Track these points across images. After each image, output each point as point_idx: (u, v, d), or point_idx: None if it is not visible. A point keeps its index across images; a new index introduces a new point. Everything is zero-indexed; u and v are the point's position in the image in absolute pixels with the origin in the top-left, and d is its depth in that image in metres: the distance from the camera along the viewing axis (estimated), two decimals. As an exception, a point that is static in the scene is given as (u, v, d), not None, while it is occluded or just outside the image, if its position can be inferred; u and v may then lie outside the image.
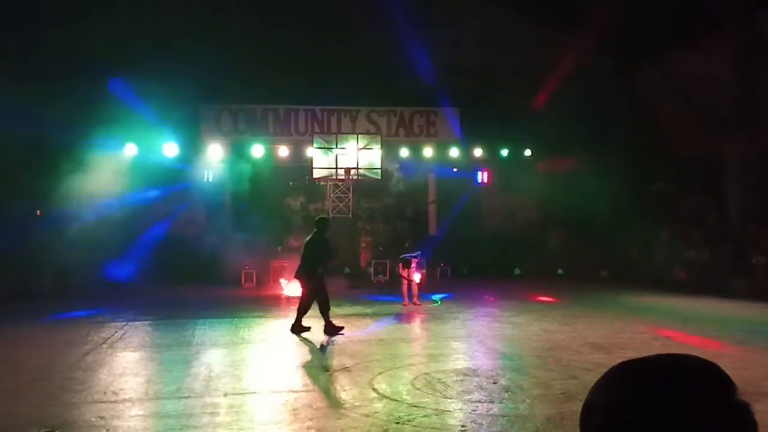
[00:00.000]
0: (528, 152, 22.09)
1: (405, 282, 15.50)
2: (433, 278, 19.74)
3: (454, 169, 22.30)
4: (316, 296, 10.70)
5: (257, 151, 20.27)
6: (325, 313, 10.65)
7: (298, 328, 10.66)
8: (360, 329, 11.20)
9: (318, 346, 9.65)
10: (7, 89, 15.62)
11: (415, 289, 15.49)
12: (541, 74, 20.08)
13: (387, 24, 18.94)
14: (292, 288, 16.99)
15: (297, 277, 11.03)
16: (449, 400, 6.49)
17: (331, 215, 19.48)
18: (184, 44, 18.49)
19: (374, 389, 6.89)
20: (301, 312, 10.73)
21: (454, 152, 21.39)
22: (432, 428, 5.63)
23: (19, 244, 16.74)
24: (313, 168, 18.79)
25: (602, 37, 19.61)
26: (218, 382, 7.28)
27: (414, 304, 15.22)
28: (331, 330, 10.55)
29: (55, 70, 17.43)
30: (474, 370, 7.79)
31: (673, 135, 19.64)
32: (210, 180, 21.04)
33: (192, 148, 20.36)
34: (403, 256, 15.74)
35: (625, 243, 20.01)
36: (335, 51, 19.71)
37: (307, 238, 11.12)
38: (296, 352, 9.34)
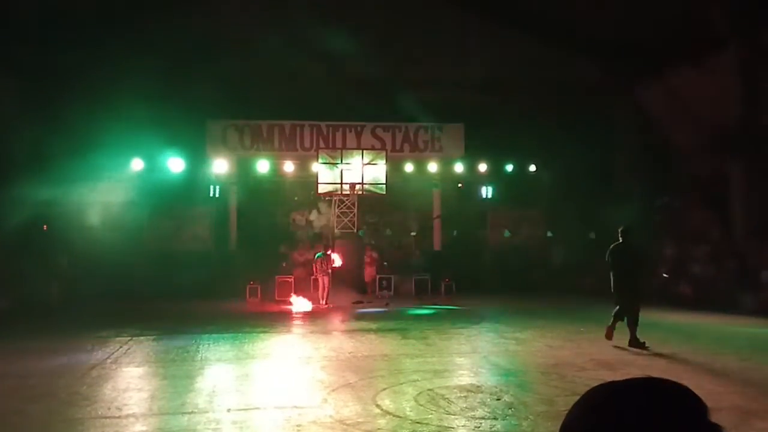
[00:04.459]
0: (533, 167, 22.13)
1: (320, 282, 16.97)
2: (438, 293, 19.73)
3: (459, 185, 22.35)
4: (630, 305, 10.54)
5: (263, 166, 20.36)
6: (620, 317, 10.59)
7: (635, 343, 10.46)
8: (364, 345, 11.19)
9: (321, 362, 9.63)
10: (16, 104, 15.81)
11: (326, 290, 16.97)
12: (546, 90, 20.17)
13: (392, 39, 19.12)
14: (301, 303, 17.08)
15: (615, 289, 10.71)
16: (453, 417, 6.47)
17: (336, 230, 19.58)
18: (191, 60, 18.69)
19: (378, 405, 6.88)
20: (633, 326, 10.51)
21: (459, 167, 21.44)
22: (435, 445, 5.61)
23: (23, 256, 16.84)
24: (318, 183, 18.88)
25: (607, 55, 19.74)
26: (222, 398, 7.28)
27: (326, 305, 16.73)
28: (636, 343, 10.44)
29: (64, 86, 17.64)
30: (478, 387, 7.77)
31: (678, 151, 19.67)
32: (215, 195, 21.14)
33: (198, 163, 20.47)
34: (317, 254, 16.96)
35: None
36: (340, 66, 19.87)
37: (613, 248, 10.83)
38: (300, 367, 9.33)
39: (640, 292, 10.86)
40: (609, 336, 10.66)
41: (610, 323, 10.67)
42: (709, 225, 18.66)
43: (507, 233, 22.40)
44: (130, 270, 18.38)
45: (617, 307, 10.67)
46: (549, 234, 22.30)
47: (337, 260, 17.84)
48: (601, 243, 20.37)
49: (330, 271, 17.43)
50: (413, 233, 23.44)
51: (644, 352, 10.12)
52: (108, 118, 17.65)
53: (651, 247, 17.07)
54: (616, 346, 10.53)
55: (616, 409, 0.94)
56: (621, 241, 10.83)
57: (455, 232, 22.95)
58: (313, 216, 21.70)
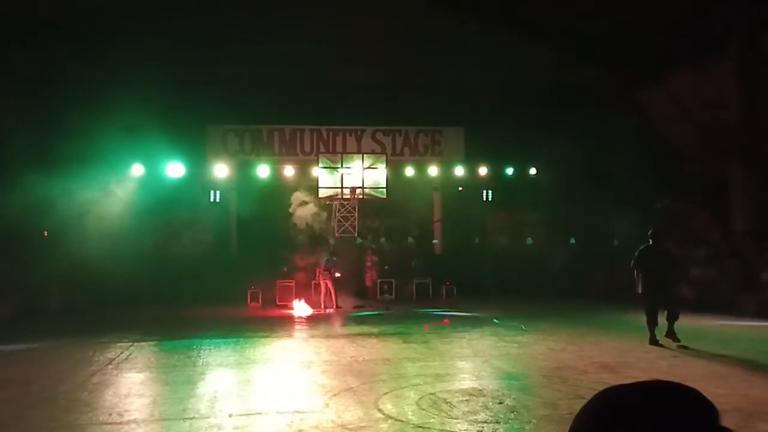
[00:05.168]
0: (533, 171, 22.13)
1: (323, 287, 17.08)
2: (439, 297, 19.73)
3: (460, 188, 22.35)
4: (666, 304, 10.71)
5: (263, 171, 20.36)
6: (674, 317, 10.71)
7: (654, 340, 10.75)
8: (365, 349, 11.17)
9: (323, 367, 9.60)
10: (17, 111, 15.83)
11: (332, 294, 17.18)
12: (546, 93, 20.18)
13: (392, 44, 19.13)
14: (303, 308, 17.06)
15: (644, 291, 10.82)
16: (455, 421, 6.46)
17: (336, 235, 19.57)
18: (191, 65, 18.69)
19: (380, 410, 6.87)
20: (652, 325, 10.77)
21: (459, 171, 21.45)
22: (437, 449, 5.59)
23: (23, 262, 16.83)
24: (318, 187, 18.88)
25: (607, 57, 19.74)
26: (224, 403, 7.26)
27: (325, 309, 16.93)
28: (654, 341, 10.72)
29: (64, 91, 17.64)
30: (480, 390, 7.75)
31: (678, 153, 19.67)
32: (216, 200, 21.14)
33: (198, 168, 20.46)
34: (322, 261, 17.19)
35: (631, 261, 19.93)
36: (339, 70, 19.88)
37: (642, 251, 10.86)
38: (302, 372, 9.31)
39: (674, 293, 10.98)
40: (675, 339, 10.67)
41: (667, 331, 10.70)
42: (710, 227, 18.64)
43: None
44: (130, 275, 18.34)
45: (666, 313, 10.73)
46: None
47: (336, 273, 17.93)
48: (604, 246, 20.45)
49: (331, 275, 17.48)
50: (415, 235, 23.43)
51: (645, 354, 10.11)
52: (108, 123, 17.63)
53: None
54: (616, 349, 10.52)
55: (626, 414, 0.93)
56: (651, 243, 10.90)
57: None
58: (293, 207, 20.73)
